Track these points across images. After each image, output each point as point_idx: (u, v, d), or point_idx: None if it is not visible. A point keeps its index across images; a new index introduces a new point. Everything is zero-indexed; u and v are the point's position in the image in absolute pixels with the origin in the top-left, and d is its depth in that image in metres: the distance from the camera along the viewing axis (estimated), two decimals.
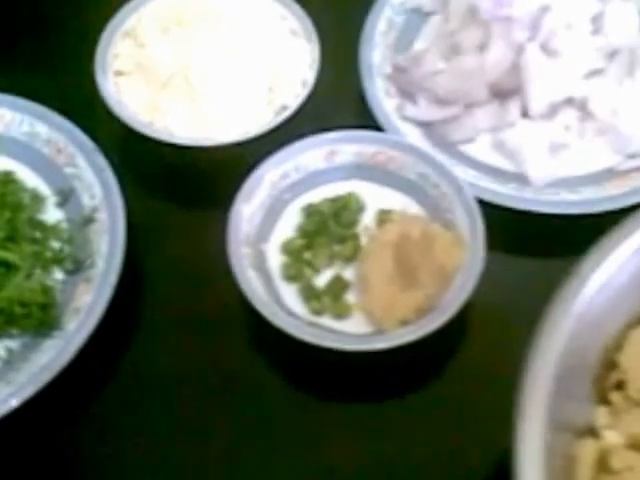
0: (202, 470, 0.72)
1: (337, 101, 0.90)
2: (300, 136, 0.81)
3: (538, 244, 0.81)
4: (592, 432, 0.59)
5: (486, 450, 0.67)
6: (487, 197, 0.80)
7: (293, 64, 0.87)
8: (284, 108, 0.84)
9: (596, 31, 0.88)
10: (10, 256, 0.76)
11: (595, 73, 0.87)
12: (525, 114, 0.86)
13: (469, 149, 0.86)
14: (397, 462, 0.71)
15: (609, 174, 0.84)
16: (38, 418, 0.73)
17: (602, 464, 0.56)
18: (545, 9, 0.86)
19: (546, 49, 0.86)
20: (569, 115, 0.86)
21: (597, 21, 0.89)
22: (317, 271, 0.78)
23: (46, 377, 0.70)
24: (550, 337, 0.55)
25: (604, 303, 0.57)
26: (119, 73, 0.86)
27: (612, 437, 0.58)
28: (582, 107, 0.86)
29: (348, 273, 0.78)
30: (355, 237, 0.79)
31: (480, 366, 0.74)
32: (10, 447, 0.73)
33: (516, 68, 0.85)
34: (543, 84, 0.85)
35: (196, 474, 0.72)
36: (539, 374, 0.53)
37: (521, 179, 0.83)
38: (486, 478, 0.68)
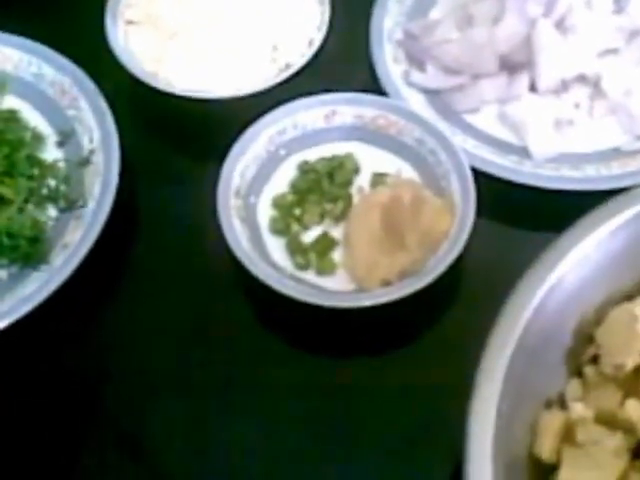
0: (179, 413, 0.73)
1: (344, 64, 0.90)
2: (303, 95, 0.82)
3: (533, 218, 0.80)
4: (561, 403, 0.59)
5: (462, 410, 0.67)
6: (485, 167, 0.80)
7: (301, 24, 0.87)
8: (288, 66, 0.84)
9: (618, 10, 0.88)
10: (4, 190, 0.78)
11: (610, 52, 0.86)
12: (533, 88, 0.85)
13: (473, 119, 0.86)
14: (366, 419, 0.72)
15: (615, 154, 0.83)
16: (20, 350, 0.75)
17: (567, 436, 0.56)
18: None
19: (561, 25, 0.85)
20: (580, 92, 0.86)
21: (621, 0, 0.88)
22: (306, 227, 0.78)
23: (27, 308, 0.71)
24: (518, 305, 0.55)
25: (581, 277, 0.57)
26: (130, 22, 0.87)
27: (580, 410, 0.57)
28: (594, 85, 0.85)
29: (337, 232, 0.78)
30: (347, 197, 0.79)
31: (461, 329, 0.74)
32: None
33: (528, 42, 0.85)
34: (554, 60, 0.84)
35: (173, 415, 0.73)
36: (502, 340, 0.54)
37: (523, 152, 0.82)
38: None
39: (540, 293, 0.55)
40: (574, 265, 0.57)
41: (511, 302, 0.55)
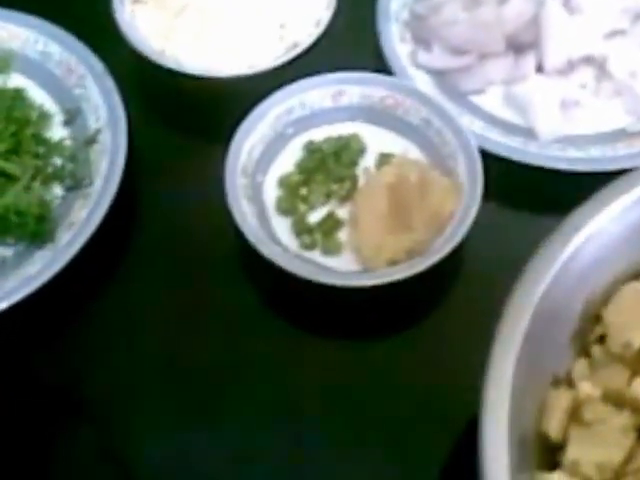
0: (184, 389, 0.73)
1: (351, 43, 0.90)
2: (310, 74, 0.82)
3: (539, 199, 0.81)
4: (569, 382, 0.59)
5: (466, 390, 0.68)
6: (491, 148, 0.80)
7: (309, 3, 0.87)
8: (295, 45, 0.84)
9: None
10: (10, 167, 0.78)
11: (617, 33, 0.86)
12: (540, 69, 0.85)
13: (479, 100, 0.86)
14: (372, 398, 0.72)
15: (620, 135, 0.83)
16: (25, 328, 0.75)
17: (574, 414, 0.56)
18: None
19: (568, 5, 0.85)
20: (586, 73, 0.86)
21: None
22: (312, 207, 0.78)
23: (33, 287, 0.71)
24: (530, 284, 0.55)
25: (590, 256, 0.57)
26: (136, 1, 0.87)
27: (588, 389, 0.57)
28: (600, 66, 0.85)
29: (343, 212, 0.78)
30: (353, 177, 0.79)
31: (466, 310, 0.74)
32: None
33: (535, 22, 0.85)
34: (561, 40, 0.84)
35: (178, 392, 0.73)
36: (514, 319, 0.54)
37: (529, 133, 0.82)
38: (466, 418, 0.68)
39: (552, 272, 0.55)
40: (583, 244, 0.57)
41: (524, 281, 0.55)
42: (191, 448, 0.70)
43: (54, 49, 0.85)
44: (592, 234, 0.57)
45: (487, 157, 0.78)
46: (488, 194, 0.74)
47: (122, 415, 0.72)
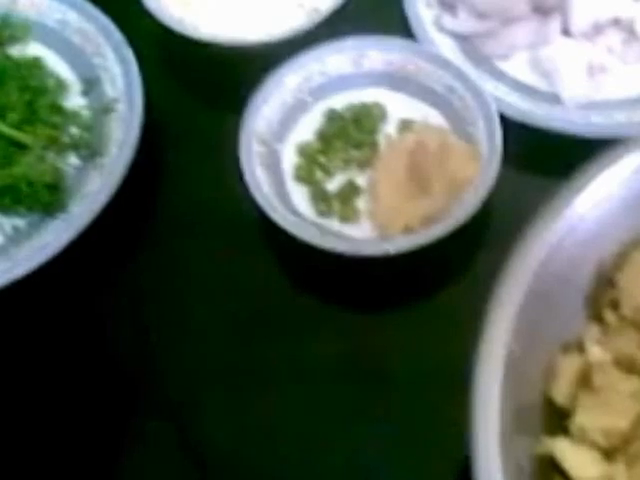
0: (201, 361, 0.73)
1: (374, 9, 0.88)
2: (332, 41, 0.80)
3: (561, 165, 0.77)
4: (580, 347, 0.57)
5: None
6: (515, 114, 0.78)
7: None
8: (316, 11, 0.83)
9: None
10: (23, 137, 0.78)
11: None
12: (566, 33, 0.83)
13: (504, 65, 0.84)
14: (390, 365, 0.71)
15: None
16: (38, 298, 0.75)
17: (584, 381, 0.55)
18: None
19: None
20: (613, 37, 0.83)
21: None
22: (330, 175, 0.77)
23: (44, 257, 0.71)
24: (531, 246, 0.54)
25: (598, 218, 0.56)
26: None
27: (598, 354, 0.56)
28: (629, 29, 0.83)
29: (362, 180, 0.77)
30: (373, 144, 0.78)
31: (485, 276, 0.71)
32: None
33: None
34: (587, 2, 0.82)
35: (197, 364, 0.73)
36: (515, 281, 0.53)
37: (553, 98, 0.80)
38: None
39: (557, 233, 0.54)
40: (594, 205, 0.55)
41: (525, 241, 0.54)
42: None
43: (73, 17, 0.85)
44: (600, 195, 0.55)
45: (510, 123, 0.76)
46: (510, 160, 0.73)
47: (141, 386, 0.73)
